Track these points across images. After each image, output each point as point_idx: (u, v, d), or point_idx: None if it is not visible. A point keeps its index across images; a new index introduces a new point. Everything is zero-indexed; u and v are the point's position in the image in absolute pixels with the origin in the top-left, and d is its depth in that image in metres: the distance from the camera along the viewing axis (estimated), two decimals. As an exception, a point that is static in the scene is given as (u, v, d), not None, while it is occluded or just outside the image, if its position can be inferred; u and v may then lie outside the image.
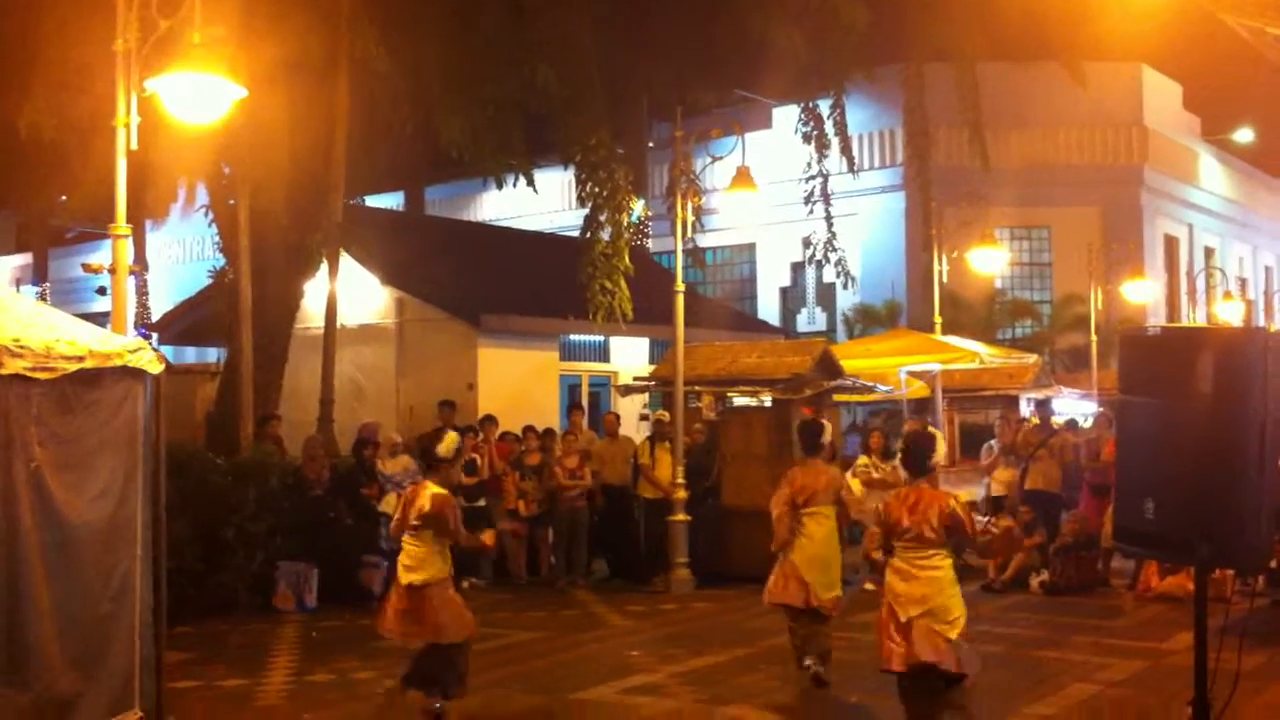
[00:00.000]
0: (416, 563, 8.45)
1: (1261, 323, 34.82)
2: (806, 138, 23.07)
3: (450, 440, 8.74)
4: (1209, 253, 33.91)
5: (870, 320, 26.77)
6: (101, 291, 18.08)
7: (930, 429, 8.35)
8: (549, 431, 16.29)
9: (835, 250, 23.61)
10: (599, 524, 15.83)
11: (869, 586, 14.70)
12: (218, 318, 17.76)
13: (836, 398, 17.29)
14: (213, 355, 21.14)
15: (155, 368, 8.58)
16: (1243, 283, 36.92)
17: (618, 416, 16.99)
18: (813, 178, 23.10)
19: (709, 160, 16.05)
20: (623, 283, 16.75)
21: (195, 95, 9.54)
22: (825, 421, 9.54)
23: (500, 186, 18.86)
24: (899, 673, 7.70)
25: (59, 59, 13.60)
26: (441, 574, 8.51)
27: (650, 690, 9.49)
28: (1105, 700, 9.07)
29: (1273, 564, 11.97)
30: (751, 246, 30.92)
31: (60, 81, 13.64)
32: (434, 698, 8.50)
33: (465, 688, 8.63)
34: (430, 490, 8.49)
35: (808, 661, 9.39)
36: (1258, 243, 38.33)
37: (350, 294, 18.44)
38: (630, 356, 21.20)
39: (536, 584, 15.19)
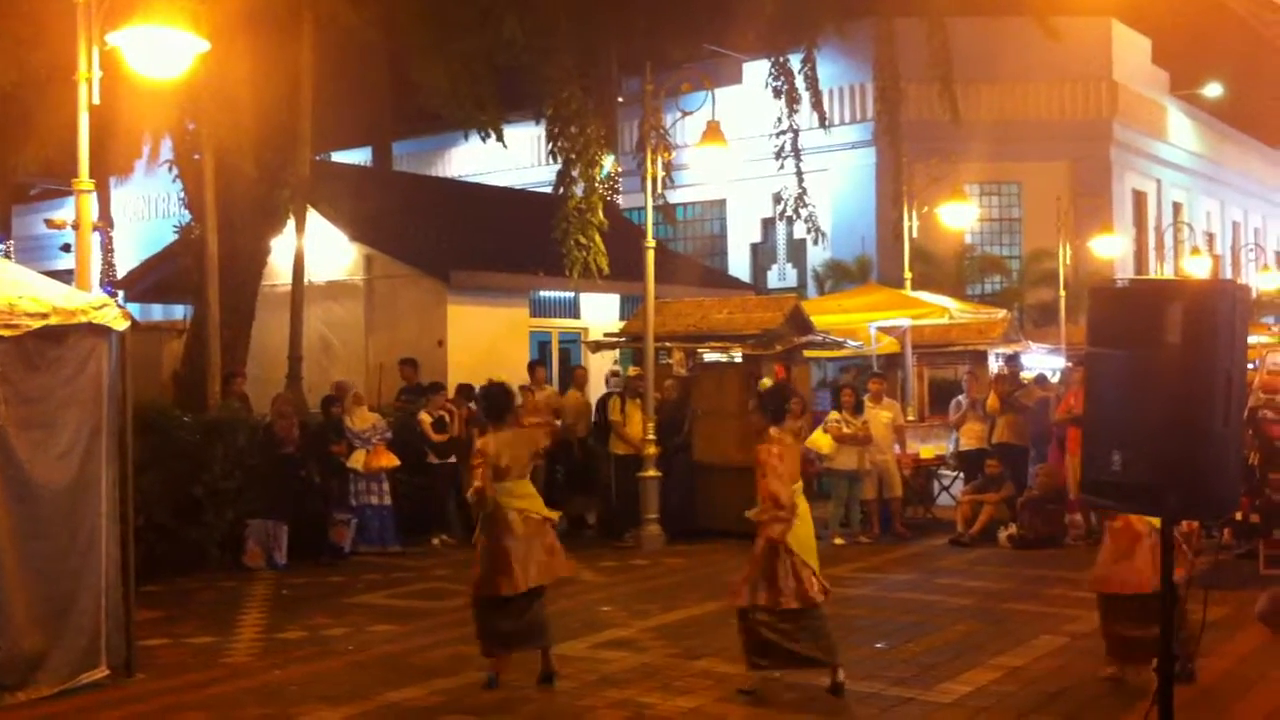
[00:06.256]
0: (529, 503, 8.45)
1: (1229, 277, 35.01)
2: (777, 92, 22.97)
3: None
4: (1177, 208, 34.03)
5: (841, 276, 26.78)
6: (66, 248, 17.82)
7: None
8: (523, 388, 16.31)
9: (806, 206, 23.56)
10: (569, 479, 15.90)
11: (838, 541, 14.84)
12: (184, 274, 17.57)
13: (807, 354, 17.34)
14: (179, 312, 20.95)
15: (120, 325, 8.51)
16: (1210, 237, 37.11)
17: (586, 370, 17.04)
18: (783, 133, 23.01)
19: (679, 115, 15.95)
20: (597, 237, 16.71)
21: (157, 48, 9.42)
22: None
23: (485, 138, 18.63)
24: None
25: (16, 11, 13.34)
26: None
27: (622, 645, 9.53)
28: (1073, 651, 9.16)
29: (1238, 516, 12.13)
30: (722, 203, 30.87)
31: (18, 35, 13.38)
32: (538, 649, 8.42)
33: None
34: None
35: None
36: (1226, 198, 38.49)
37: (318, 250, 18.29)
38: (600, 313, 21.16)
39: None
